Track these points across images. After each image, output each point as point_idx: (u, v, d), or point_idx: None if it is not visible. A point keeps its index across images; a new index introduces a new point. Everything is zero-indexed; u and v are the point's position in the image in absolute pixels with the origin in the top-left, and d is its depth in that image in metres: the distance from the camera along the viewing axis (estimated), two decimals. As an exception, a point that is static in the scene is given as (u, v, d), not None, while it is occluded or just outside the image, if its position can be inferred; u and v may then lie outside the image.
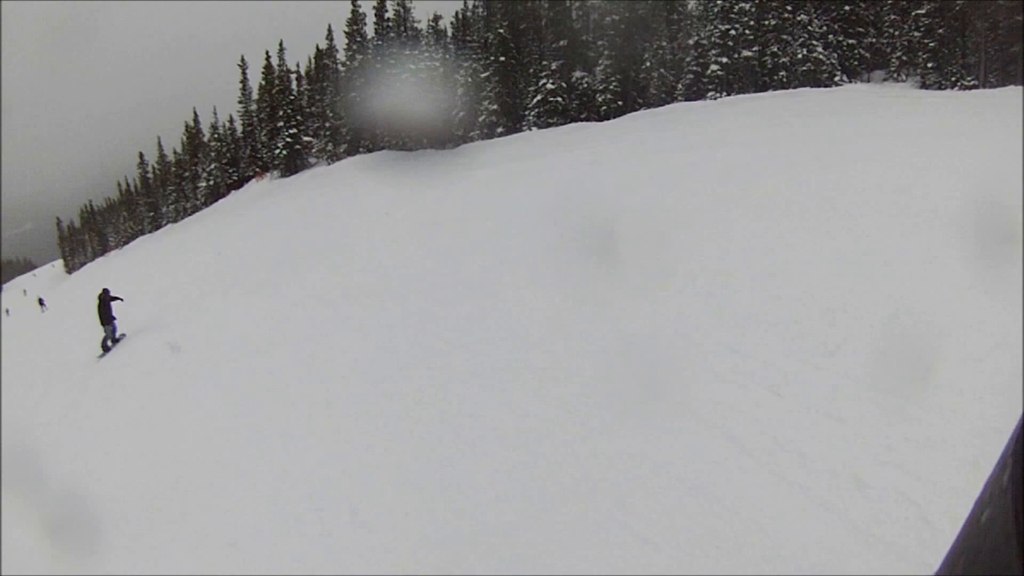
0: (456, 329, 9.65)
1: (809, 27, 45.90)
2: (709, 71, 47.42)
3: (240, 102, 70.99)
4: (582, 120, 49.94)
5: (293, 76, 66.58)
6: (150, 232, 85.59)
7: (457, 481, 5.74)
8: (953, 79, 41.15)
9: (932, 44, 41.92)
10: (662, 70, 49.91)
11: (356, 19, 56.10)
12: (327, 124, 60.59)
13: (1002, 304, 5.83)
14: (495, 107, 54.04)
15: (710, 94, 46.98)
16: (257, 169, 67.87)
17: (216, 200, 69.85)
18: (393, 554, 5.04)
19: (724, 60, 46.95)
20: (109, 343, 15.97)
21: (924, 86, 41.90)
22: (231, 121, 75.31)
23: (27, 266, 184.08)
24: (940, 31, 41.82)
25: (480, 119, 55.06)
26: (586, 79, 52.35)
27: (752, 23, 46.95)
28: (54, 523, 7.01)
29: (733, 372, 6.32)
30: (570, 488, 5.23)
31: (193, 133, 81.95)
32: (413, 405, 7.55)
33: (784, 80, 45.86)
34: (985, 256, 6.80)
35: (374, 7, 54.65)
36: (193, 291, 20.09)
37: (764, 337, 6.84)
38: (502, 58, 53.70)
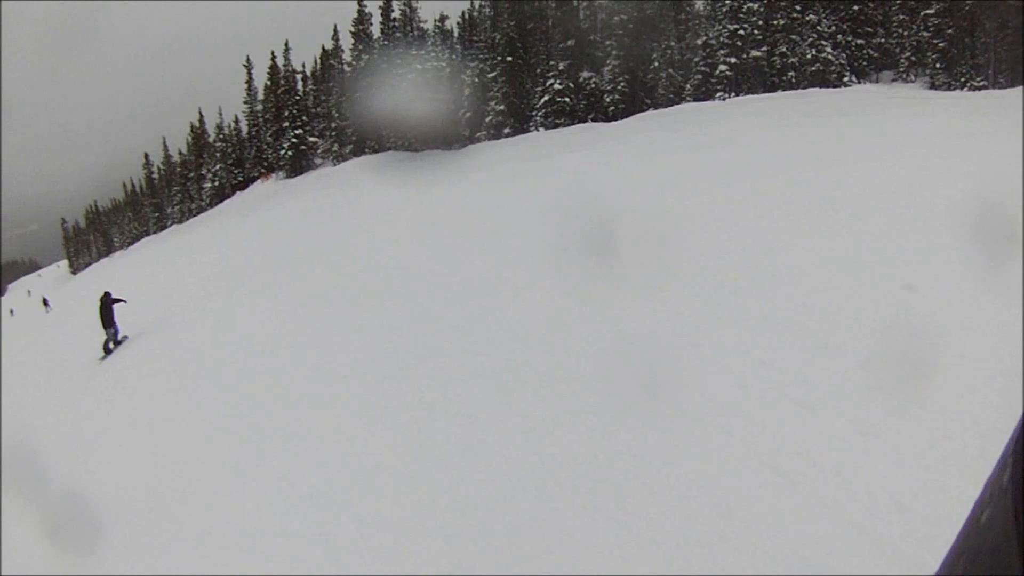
0: (457, 329, 9.64)
1: (818, 27, 45.63)
2: (718, 71, 47.12)
3: (245, 102, 71.02)
4: (590, 121, 49.71)
5: (299, 76, 66.68)
6: (155, 233, 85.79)
7: (459, 481, 5.73)
8: (963, 80, 40.88)
9: (942, 44, 41.65)
10: (670, 70, 49.73)
11: (362, 19, 56.05)
12: (333, 125, 60.55)
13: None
14: (502, 107, 53.81)
15: (719, 95, 46.63)
16: (262, 170, 67.89)
17: (221, 201, 69.94)
18: (393, 554, 5.02)
19: (733, 60, 46.66)
20: (111, 345, 15.89)
21: (933, 87, 41.63)
22: (236, 122, 75.48)
23: (32, 266, 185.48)
24: (949, 31, 41.55)
25: (487, 120, 54.84)
26: (594, 79, 52.12)
27: (761, 23, 46.65)
28: (54, 523, 7.00)
29: (732, 373, 6.29)
30: (570, 488, 5.21)
31: (198, 134, 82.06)
32: (415, 405, 7.51)
33: (793, 80, 45.56)
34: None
35: (380, 7, 54.70)
36: (198, 292, 20.03)
37: (766, 336, 6.80)
38: (509, 58, 53.49)
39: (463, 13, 65.85)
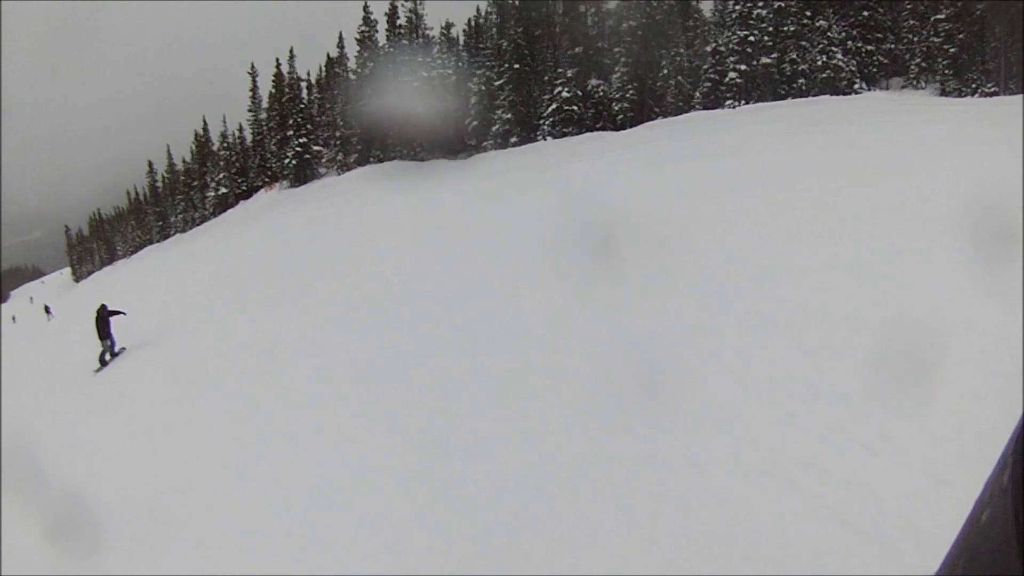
0: (459, 330, 9.87)
1: (828, 33, 45.14)
2: (727, 79, 46.60)
3: (250, 110, 70.82)
4: (598, 129, 49.19)
5: (303, 84, 66.36)
6: (158, 241, 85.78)
7: (459, 482, 5.85)
8: (973, 86, 40.48)
9: (952, 50, 41.25)
10: (679, 78, 49.25)
11: (368, 26, 55.67)
12: (337, 133, 60.18)
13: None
14: (509, 116, 53.31)
15: (728, 102, 46.02)
16: (266, 179, 67.61)
17: (225, 210, 69.74)
18: (394, 554, 5.11)
19: (743, 67, 46.11)
20: (107, 357, 16.00)
21: (944, 93, 41.26)
22: (240, 130, 75.30)
23: (36, 273, 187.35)
24: (960, 37, 41.16)
25: (493, 128, 54.36)
26: (602, 87, 51.71)
27: (771, 29, 46.15)
28: (54, 524, 7.12)
29: (732, 373, 6.35)
30: (570, 489, 5.29)
31: (202, 141, 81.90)
32: (416, 406, 7.67)
33: (803, 88, 45.02)
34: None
35: (386, 14, 54.28)
36: (201, 300, 20.25)
37: (767, 337, 6.85)
38: (516, 65, 53.03)
39: (469, 20, 65.64)
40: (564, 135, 49.48)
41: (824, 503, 4.34)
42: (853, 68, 45.08)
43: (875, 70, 47.09)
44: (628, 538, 4.55)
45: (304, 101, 65.10)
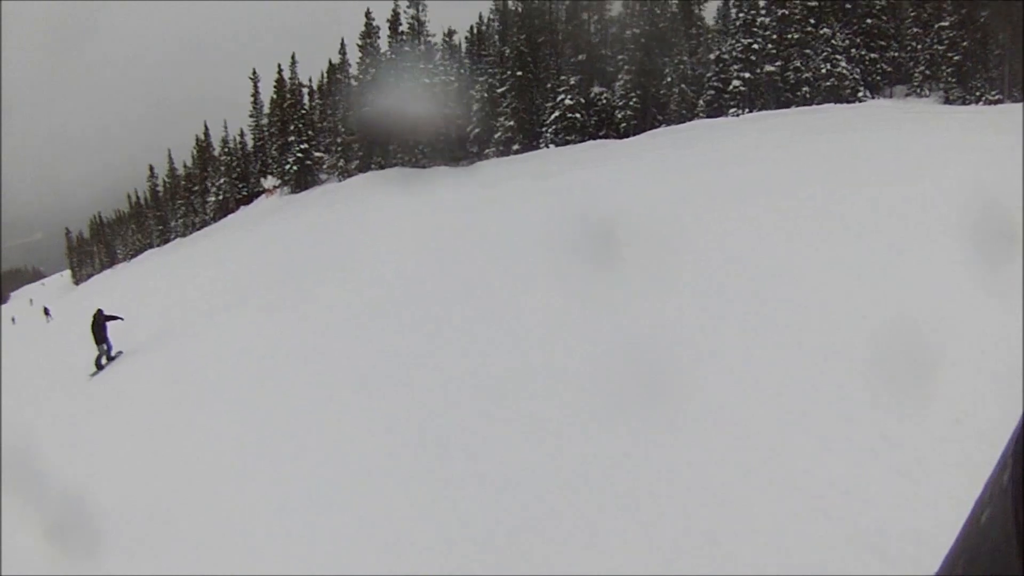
0: (459, 331, 9.87)
1: (832, 41, 45.03)
2: (731, 87, 46.50)
3: (251, 115, 70.82)
4: (601, 137, 49.07)
5: (305, 90, 66.34)
6: (158, 246, 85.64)
7: (459, 482, 5.87)
8: (977, 93, 40.38)
9: (956, 57, 41.16)
10: (683, 85, 49.15)
11: (369, 32, 55.66)
12: (339, 139, 60.10)
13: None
14: (511, 123, 53.19)
15: (732, 110, 45.88)
16: (267, 185, 67.46)
17: (225, 215, 69.75)
18: (394, 555, 5.12)
19: (746, 75, 46.02)
20: (103, 361, 16.06)
21: (948, 101, 41.16)
22: (241, 135, 75.33)
23: (36, 275, 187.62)
24: (964, 44, 41.06)
25: (496, 136, 54.23)
26: (605, 95, 51.58)
27: (774, 37, 46.09)
28: (54, 525, 7.13)
29: (732, 373, 6.37)
30: (570, 489, 5.30)
31: (203, 146, 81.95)
32: (416, 407, 7.68)
33: (807, 96, 44.89)
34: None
35: (388, 20, 54.23)
36: (201, 305, 20.19)
37: (767, 338, 6.87)
38: (519, 72, 52.96)
39: (472, 27, 65.56)
40: (567, 143, 49.32)
41: (824, 503, 4.34)
42: (857, 76, 44.96)
43: (879, 78, 46.98)
44: (628, 538, 4.56)
45: (305, 107, 65.10)
